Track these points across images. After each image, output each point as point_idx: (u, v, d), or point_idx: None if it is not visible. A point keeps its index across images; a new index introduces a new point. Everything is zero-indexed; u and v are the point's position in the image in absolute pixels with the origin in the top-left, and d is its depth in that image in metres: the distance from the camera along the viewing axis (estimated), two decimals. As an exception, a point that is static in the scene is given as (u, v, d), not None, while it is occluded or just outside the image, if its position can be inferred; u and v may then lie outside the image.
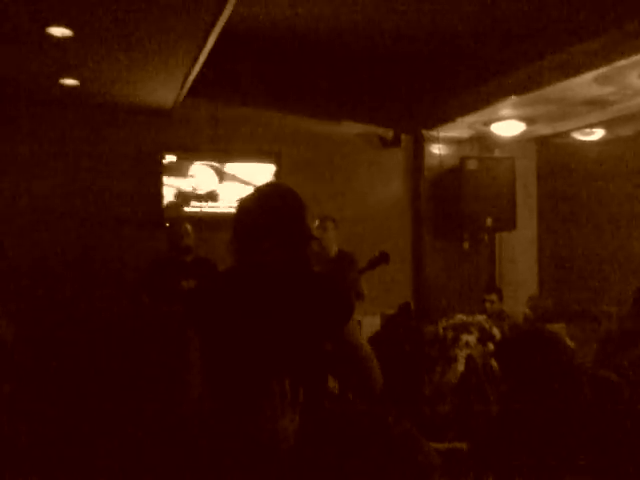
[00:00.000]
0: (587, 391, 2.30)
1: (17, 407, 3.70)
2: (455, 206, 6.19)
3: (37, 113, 5.06)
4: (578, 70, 4.63)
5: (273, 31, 4.76)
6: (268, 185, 2.16)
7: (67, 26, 3.42)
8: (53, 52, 3.78)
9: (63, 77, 4.28)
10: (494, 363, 3.90)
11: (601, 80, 4.84)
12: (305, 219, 1.96)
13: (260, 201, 1.94)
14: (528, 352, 2.17)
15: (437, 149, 6.43)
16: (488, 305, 5.58)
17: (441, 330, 4.65)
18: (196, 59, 4.05)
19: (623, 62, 4.44)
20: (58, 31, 3.46)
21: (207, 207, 5.57)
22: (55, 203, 5.12)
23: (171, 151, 5.41)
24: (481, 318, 4.75)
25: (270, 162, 5.73)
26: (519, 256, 6.65)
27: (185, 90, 4.71)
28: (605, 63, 4.48)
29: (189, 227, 4.74)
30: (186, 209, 5.51)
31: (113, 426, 4.37)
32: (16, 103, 4.90)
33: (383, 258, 4.51)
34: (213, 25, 3.52)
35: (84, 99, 4.87)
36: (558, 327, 4.58)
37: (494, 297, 5.65)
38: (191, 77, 4.41)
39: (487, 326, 4.68)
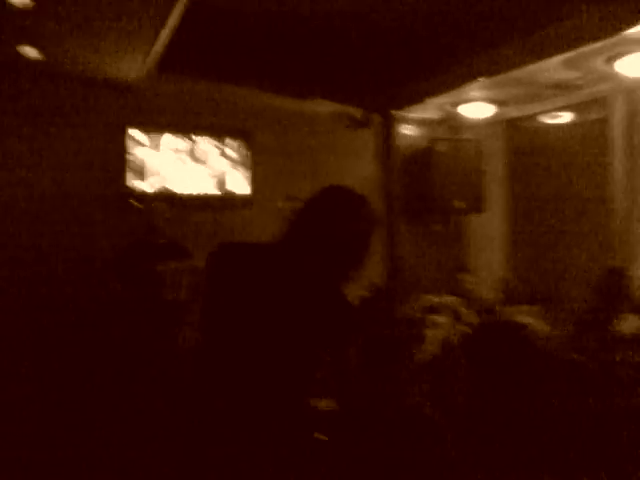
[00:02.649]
0: (558, 382, 2.32)
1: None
2: (425, 188, 6.21)
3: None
4: (545, 53, 4.65)
5: (245, 6, 4.66)
6: (358, 198, 2.11)
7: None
8: (13, 21, 3.62)
9: (23, 44, 4.10)
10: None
11: (568, 64, 4.88)
12: (365, 249, 1.97)
13: (340, 208, 1.97)
14: (498, 345, 2.17)
15: (407, 130, 6.43)
16: (459, 284, 5.63)
17: (411, 311, 4.68)
18: (160, 30, 3.93)
19: (589, 47, 4.48)
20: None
21: (176, 187, 5.46)
22: (10, 180, 4.90)
23: (137, 126, 5.28)
24: (451, 299, 4.80)
25: (240, 139, 5.66)
26: (488, 237, 6.71)
27: (151, 62, 4.57)
28: (572, 47, 4.51)
29: (161, 208, 4.69)
30: (151, 190, 5.38)
31: (85, 412, 4.31)
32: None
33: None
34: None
35: (45, 71, 4.69)
36: (531, 309, 4.63)
37: (467, 277, 5.72)
38: (156, 49, 4.28)
39: (457, 307, 4.73)
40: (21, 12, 3.47)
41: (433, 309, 4.73)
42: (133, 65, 4.54)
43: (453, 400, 3.12)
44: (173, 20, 3.77)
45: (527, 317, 4.67)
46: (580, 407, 2.42)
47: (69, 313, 4.74)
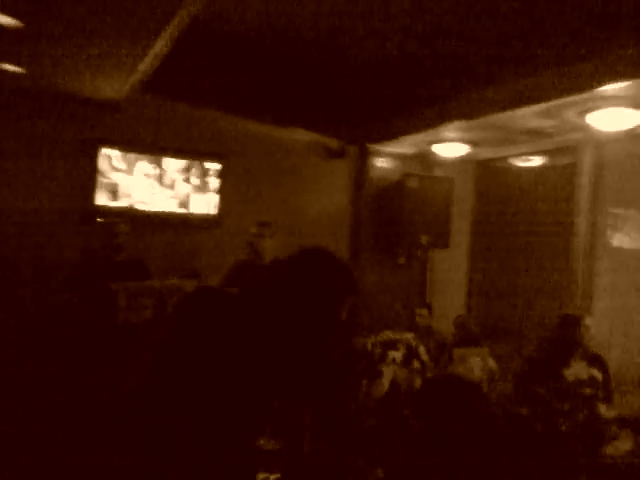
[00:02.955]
0: (501, 434, 2.40)
1: None
2: (394, 221, 6.31)
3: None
4: (520, 103, 4.80)
5: (228, 34, 4.70)
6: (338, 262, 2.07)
7: (13, 16, 3.27)
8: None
9: (4, 62, 4.09)
10: (418, 384, 4.01)
11: (542, 114, 5.04)
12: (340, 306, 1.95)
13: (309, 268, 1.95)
14: (443, 401, 2.23)
15: (381, 163, 6.53)
16: (418, 319, 5.72)
17: (370, 346, 4.74)
18: (144, 55, 3.95)
19: (563, 100, 4.64)
20: (3, 19, 3.30)
21: (141, 205, 5.45)
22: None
23: (111, 145, 5.24)
24: (409, 335, 4.87)
25: (216, 162, 5.68)
26: (450, 273, 6.84)
27: (130, 85, 4.58)
28: (546, 100, 4.66)
29: (123, 226, 4.61)
30: (118, 204, 5.36)
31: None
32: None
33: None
34: (166, 24, 3.45)
35: (24, 85, 4.66)
36: (482, 351, 4.73)
37: (424, 312, 5.80)
38: (141, 71, 4.30)
39: (414, 344, 4.81)
40: (6, 31, 3.46)
41: (391, 344, 4.80)
42: (114, 85, 4.54)
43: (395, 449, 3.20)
44: (158, 46, 3.79)
45: (476, 358, 4.80)
46: (524, 462, 2.50)
47: (26, 325, 4.69)
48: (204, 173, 5.67)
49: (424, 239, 6.25)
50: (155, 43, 3.64)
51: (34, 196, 5.00)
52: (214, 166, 5.69)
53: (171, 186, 5.56)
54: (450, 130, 5.67)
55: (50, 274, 4.82)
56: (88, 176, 5.19)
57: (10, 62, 4.07)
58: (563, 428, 3.16)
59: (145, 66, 4.05)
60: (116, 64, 4.01)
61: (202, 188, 5.68)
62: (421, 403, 2.41)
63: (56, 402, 4.19)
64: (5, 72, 4.29)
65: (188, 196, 5.62)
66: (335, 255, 2.04)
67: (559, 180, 6.45)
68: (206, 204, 5.71)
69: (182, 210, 5.60)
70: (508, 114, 5.07)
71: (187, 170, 5.60)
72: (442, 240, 6.36)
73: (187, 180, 5.61)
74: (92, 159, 5.18)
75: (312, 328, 1.92)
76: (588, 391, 3.88)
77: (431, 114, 5.35)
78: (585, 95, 4.53)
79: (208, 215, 5.71)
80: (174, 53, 4.12)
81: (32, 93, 4.81)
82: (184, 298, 2.04)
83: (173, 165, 5.54)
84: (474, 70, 4.77)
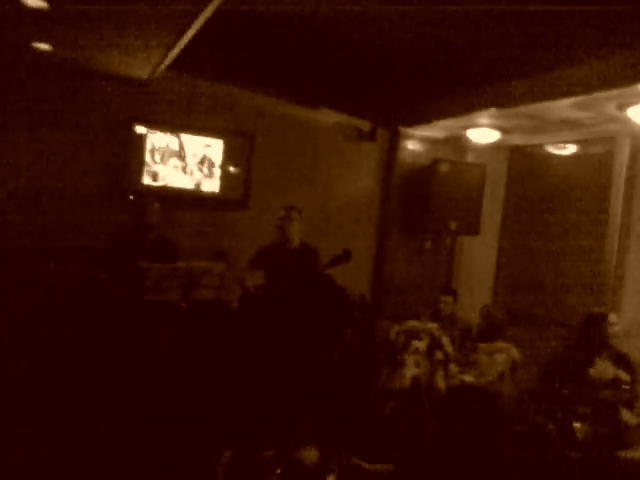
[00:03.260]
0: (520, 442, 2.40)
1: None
2: (423, 205, 6.23)
3: (4, 76, 4.84)
4: (558, 95, 4.66)
5: (259, 12, 4.63)
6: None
7: (43, -2, 3.27)
8: (27, 19, 3.61)
9: (36, 41, 4.10)
10: (440, 382, 4.01)
11: (579, 106, 4.89)
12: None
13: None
14: (465, 410, 2.24)
15: (411, 146, 6.44)
16: (442, 306, 5.68)
17: (393, 334, 4.75)
18: (179, 39, 3.92)
19: (603, 94, 4.49)
20: (33, 2, 3.30)
21: (175, 183, 5.48)
22: (16, 170, 4.93)
23: (142, 122, 5.27)
24: (433, 325, 4.86)
25: (244, 141, 5.66)
26: (478, 260, 6.77)
27: (163, 66, 4.57)
28: (585, 92, 4.52)
29: (157, 206, 4.66)
30: (149, 183, 5.39)
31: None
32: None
33: (345, 256, 4.55)
34: (200, 10, 3.41)
35: (55, 64, 4.68)
36: (505, 346, 4.70)
37: (449, 299, 5.75)
38: (172, 54, 4.28)
39: (437, 334, 4.80)
40: (36, 12, 3.46)
41: (415, 334, 4.80)
42: (145, 65, 4.53)
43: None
44: (190, 32, 3.76)
45: (501, 354, 4.77)
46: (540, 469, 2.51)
47: (61, 299, 4.80)
48: (231, 152, 5.65)
49: (453, 225, 6.18)
50: (188, 30, 3.60)
51: (68, 173, 5.08)
52: (241, 145, 5.65)
53: (198, 165, 5.57)
54: (483, 116, 5.54)
55: (83, 249, 4.92)
56: (121, 154, 5.24)
57: (40, 41, 4.08)
58: (581, 436, 3.14)
59: (176, 51, 4.03)
60: (147, 51, 4.00)
61: (229, 167, 5.66)
62: (443, 409, 2.43)
63: (82, 374, 4.31)
64: (35, 51, 4.30)
65: (214, 175, 5.61)
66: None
67: (594, 169, 6.28)
68: (232, 184, 5.70)
69: (208, 189, 5.61)
70: (544, 104, 4.93)
71: (214, 149, 5.59)
72: (472, 227, 6.28)
73: (213, 159, 5.60)
74: (125, 136, 5.22)
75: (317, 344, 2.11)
76: (611, 395, 3.83)
77: (465, 100, 5.24)
78: (626, 89, 4.37)
79: (234, 195, 5.70)
80: (202, 32, 4.09)
81: (63, 71, 4.83)
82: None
83: (200, 143, 5.54)
84: (511, 59, 4.64)
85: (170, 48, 3.98)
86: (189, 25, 3.59)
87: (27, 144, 4.94)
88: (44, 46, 4.19)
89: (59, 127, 5.02)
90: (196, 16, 3.47)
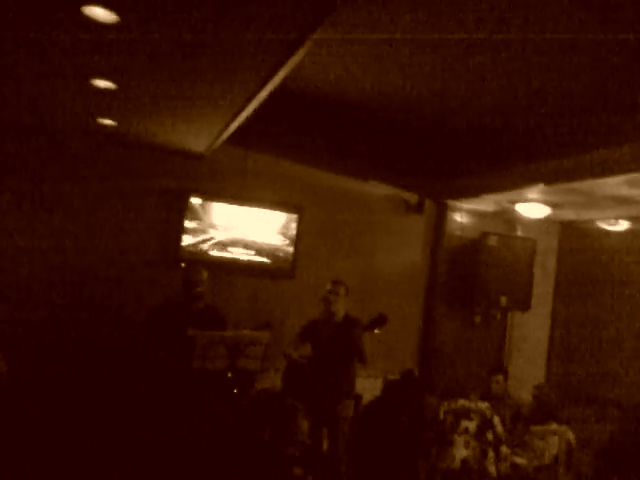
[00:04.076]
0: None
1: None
2: (471, 279, 6.18)
3: (69, 147, 5.15)
4: (611, 172, 4.63)
5: (309, 89, 4.81)
6: None
7: (111, 80, 3.48)
8: (95, 98, 3.85)
9: (101, 117, 4.36)
10: (490, 466, 3.86)
11: (631, 183, 4.83)
12: None
13: None
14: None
15: (459, 219, 6.43)
16: (494, 385, 5.53)
17: (442, 414, 4.62)
18: (236, 117, 4.10)
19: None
20: (102, 83, 3.53)
21: (225, 253, 5.59)
22: (75, 235, 5.15)
23: (197, 194, 5.45)
24: (483, 405, 4.72)
25: (292, 212, 5.76)
26: (529, 335, 6.59)
27: (220, 141, 4.76)
28: (632, 171, 4.47)
29: (205, 274, 4.73)
30: (200, 251, 5.53)
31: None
32: (51, 137, 5.01)
33: (381, 320, 4.52)
34: (259, 91, 3.56)
35: (118, 137, 4.94)
36: (559, 428, 4.52)
37: (500, 378, 5.60)
38: (228, 132, 4.46)
39: (488, 414, 4.65)
40: (104, 92, 3.70)
41: (464, 413, 4.67)
42: (203, 140, 4.73)
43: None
44: (247, 110, 3.92)
45: (554, 437, 4.57)
46: None
47: (104, 361, 4.90)
48: (280, 223, 5.75)
49: (503, 300, 6.08)
50: (245, 108, 3.77)
51: (124, 241, 5.28)
52: (290, 217, 5.77)
53: (248, 235, 5.68)
54: (533, 192, 5.52)
55: (133, 315, 5.03)
56: (175, 223, 5.42)
57: (105, 117, 4.32)
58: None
59: (233, 127, 4.20)
60: (206, 126, 4.18)
61: (277, 238, 5.76)
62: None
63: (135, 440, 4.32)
64: (102, 125, 4.56)
65: (263, 245, 5.71)
66: None
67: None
68: (281, 254, 5.78)
69: (257, 259, 5.70)
70: (595, 181, 4.89)
71: (263, 220, 5.71)
72: (523, 302, 6.17)
73: (262, 230, 5.71)
74: (180, 207, 5.41)
75: None
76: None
77: (514, 176, 5.24)
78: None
79: (282, 265, 5.77)
80: (256, 109, 4.26)
81: (124, 143, 5.09)
82: None
83: (251, 214, 5.66)
84: (560, 135, 4.65)
85: (227, 125, 4.16)
86: (246, 105, 3.76)
87: (84, 212, 5.18)
88: (109, 121, 4.43)
89: (117, 196, 5.26)
90: (252, 97, 3.63)
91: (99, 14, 2.60)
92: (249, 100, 3.70)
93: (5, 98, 4.18)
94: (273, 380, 4.96)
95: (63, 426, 4.46)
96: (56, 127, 4.83)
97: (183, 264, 5.33)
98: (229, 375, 4.12)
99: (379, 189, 6.15)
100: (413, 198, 6.26)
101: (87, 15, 2.62)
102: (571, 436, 4.65)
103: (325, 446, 4.66)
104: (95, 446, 4.31)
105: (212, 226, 5.56)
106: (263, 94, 3.62)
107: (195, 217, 5.49)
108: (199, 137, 4.63)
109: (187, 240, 5.47)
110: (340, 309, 4.73)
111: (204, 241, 5.53)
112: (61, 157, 5.14)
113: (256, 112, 4.20)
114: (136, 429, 4.54)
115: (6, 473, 3.53)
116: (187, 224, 5.46)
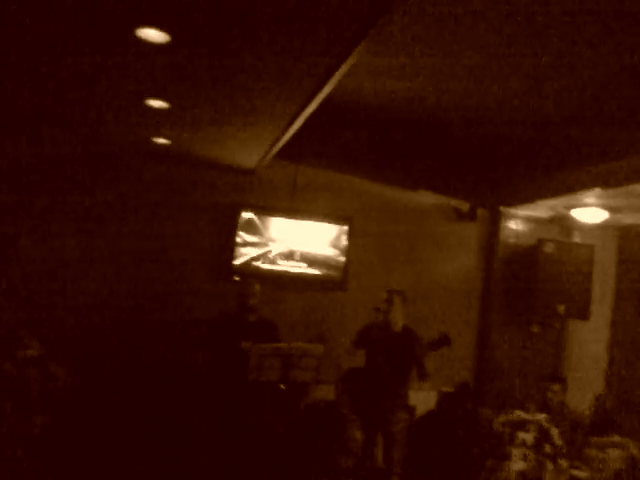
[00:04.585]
0: None
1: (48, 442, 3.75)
2: (527, 288, 6.04)
3: (126, 166, 5.34)
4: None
5: (357, 101, 4.83)
6: None
7: (164, 99, 3.59)
8: (150, 118, 3.97)
9: (156, 137, 4.49)
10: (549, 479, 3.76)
11: (693, 185, 4.65)
12: None
13: None
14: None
15: (514, 226, 6.31)
16: (551, 395, 5.37)
17: (499, 426, 4.53)
18: (286, 131, 4.16)
19: None
20: (156, 103, 3.64)
21: (277, 266, 5.65)
22: (133, 250, 5.30)
23: (248, 208, 5.54)
24: (541, 417, 4.60)
25: (343, 223, 5.77)
26: (588, 345, 6.39)
27: (270, 156, 4.84)
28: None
29: (257, 287, 4.79)
30: (259, 265, 5.61)
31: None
32: (107, 155, 5.21)
33: (444, 341, 4.45)
34: (307, 104, 3.61)
35: (171, 155, 5.08)
36: (622, 441, 4.36)
37: (557, 388, 5.44)
38: (278, 146, 4.53)
39: (547, 426, 4.52)
40: (158, 111, 3.82)
41: (521, 425, 4.56)
42: (253, 156, 4.82)
43: None
44: (296, 125, 3.97)
45: (615, 450, 4.40)
46: None
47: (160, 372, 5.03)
48: (331, 235, 5.77)
49: (561, 308, 5.91)
50: (294, 122, 3.82)
51: (179, 255, 5.41)
52: (341, 229, 5.77)
53: (301, 247, 5.71)
54: (589, 196, 5.38)
55: (188, 328, 5.14)
56: (227, 237, 5.51)
57: (159, 136, 4.46)
58: None
59: (282, 142, 4.26)
60: (256, 142, 4.26)
61: (329, 250, 5.77)
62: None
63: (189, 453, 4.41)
64: (156, 144, 4.70)
65: (316, 257, 5.73)
66: None
67: None
68: (332, 266, 5.78)
69: (310, 271, 5.72)
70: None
71: (315, 232, 5.73)
72: (582, 310, 5.98)
73: (314, 242, 5.73)
74: (232, 222, 5.50)
75: None
76: None
77: (568, 180, 5.12)
78: None
79: (334, 277, 5.77)
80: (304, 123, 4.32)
81: (179, 162, 5.24)
82: None
83: (303, 227, 5.70)
84: (616, 137, 4.53)
85: (277, 140, 4.22)
86: (294, 119, 3.81)
87: (142, 228, 5.32)
88: (163, 140, 4.57)
89: (172, 212, 5.41)
90: (301, 111, 3.68)
91: (151, 35, 2.70)
92: (297, 114, 3.75)
93: (67, 122, 4.37)
94: (327, 392, 4.95)
95: (119, 436, 4.60)
96: (113, 148, 5.01)
97: (236, 277, 5.42)
98: (282, 387, 4.15)
99: (429, 198, 6.10)
100: (464, 206, 6.18)
101: (140, 37, 2.72)
102: (634, 449, 4.47)
103: (380, 458, 4.63)
104: (153, 457, 4.42)
105: (270, 239, 5.63)
106: (311, 108, 3.66)
107: (254, 232, 5.57)
108: (250, 153, 4.72)
109: (246, 253, 5.55)
110: (398, 318, 4.65)
111: (260, 255, 5.60)
112: (120, 177, 5.33)
113: (305, 126, 4.27)
114: (192, 441, 4.64)
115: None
116: (248, 238, 5.54)
